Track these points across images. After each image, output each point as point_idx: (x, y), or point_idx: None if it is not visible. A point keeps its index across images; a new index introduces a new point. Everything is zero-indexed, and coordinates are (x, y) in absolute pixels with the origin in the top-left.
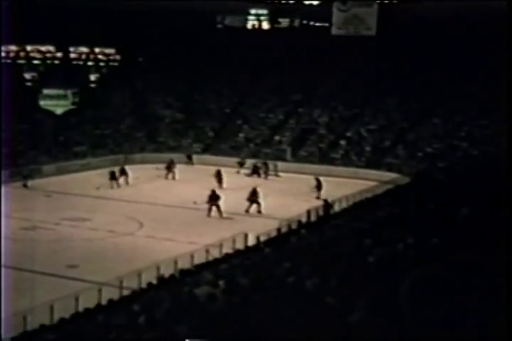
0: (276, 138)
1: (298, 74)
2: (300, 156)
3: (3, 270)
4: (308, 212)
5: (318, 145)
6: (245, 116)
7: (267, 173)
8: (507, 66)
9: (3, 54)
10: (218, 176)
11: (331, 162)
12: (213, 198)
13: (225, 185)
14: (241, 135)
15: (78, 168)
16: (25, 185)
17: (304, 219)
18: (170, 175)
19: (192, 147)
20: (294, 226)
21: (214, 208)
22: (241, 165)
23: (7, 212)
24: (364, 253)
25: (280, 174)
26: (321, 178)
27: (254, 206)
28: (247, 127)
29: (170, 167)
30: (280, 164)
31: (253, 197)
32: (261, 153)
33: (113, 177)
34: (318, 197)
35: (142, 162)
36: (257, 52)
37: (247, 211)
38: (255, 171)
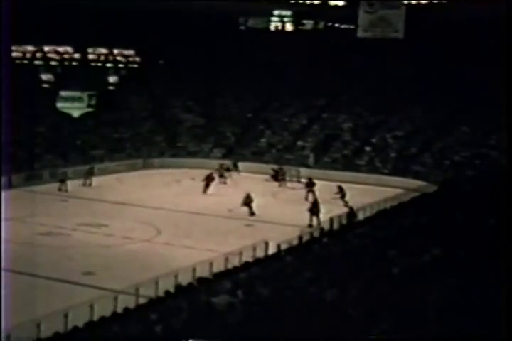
0: (299, 143)
1: (322, 78)
2: (323, 163)
3: (18, 276)
4: (331, 220)
5: (342, 152)
6: (267, 120)
7: (283, 179)
8: None
9: (19, 54)
10: (208, 179)
11: (356, 169)
12: (248, 202)
13: (210, 190)
14: (263, 140)
15: (95, 172)
16: (60, 189)
17: (326, 227)
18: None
19: (212, 152)
20: (316, 234)
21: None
22: (227, 170)
23: (22, 216)
24: (388, 263)
25: (303, 180)
26: (344, 185)
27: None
28: (269, 132)
29: (210, 179)
30: (303, 170)
31: (247, 201)
32: (283, 159)
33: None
34: (346, 205)
35: (161, 167)
36: (280, 55)
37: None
38: (274, 177)
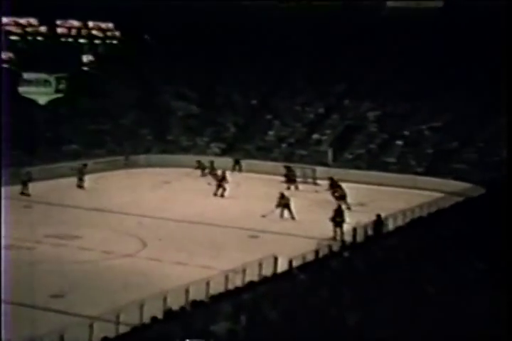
0: (315, 137)
1: (341, 59)
2: (344, 160)
3: None
4: (354, 231)
5: (367, 147)
6: (276, 109)
7: (294, 180)
8: None
9: None
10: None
11: (384, 167)
12: (283, 201)
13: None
14: (271, 133)
15: (68, 171)
16: (23, 193)
17: (348, 239)
18: (220, 191)
19: (209, 147)
20: (335, 247)
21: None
22: (202, 169)
23: None
24: (422, 281)
25: (319, 182)
26: (370, 188)
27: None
28: (278, 123)
29: (222, 180)
30: (319, 170)
31: (283, 201)
32: (295, 156)
33: None
34: (348, 208)
35: (148, 165)
36: (291, 34)
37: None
38: (287, 176)
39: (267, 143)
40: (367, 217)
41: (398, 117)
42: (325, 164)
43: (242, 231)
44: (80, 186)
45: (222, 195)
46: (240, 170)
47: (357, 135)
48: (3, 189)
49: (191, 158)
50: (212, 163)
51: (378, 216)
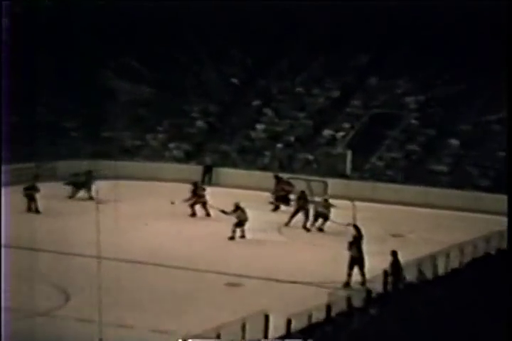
0: (326, 133)
1: (358, 22)
2: (370, 168)
3: None
4: (385, 275)
5: (404, 148)
6: (267, 92)
7: (287, 199)
8: None
9: None
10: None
11: (430, 179)
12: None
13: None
14: (259, 127)
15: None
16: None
17: (375, 287)
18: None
19: (167, 149)
20: (357, 300)
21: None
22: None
23: None
24: None
25: (331, 201)
26: (411, 211)
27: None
28: (270, 113)
29: (196, 193)
30: (332, 183)
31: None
32: (296, 162)
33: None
34: (320, 229)
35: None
36: None
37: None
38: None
39: (253, 143)
40: (404, 255)
41: (450, 104)
42: (341, 175)
43: (217, 277)
44: (92, 198)
45: (207, 215)
46: (210, 182)
47: (388, 130)
48: None
49: (139, 165)
50: None
51: (394, 254)
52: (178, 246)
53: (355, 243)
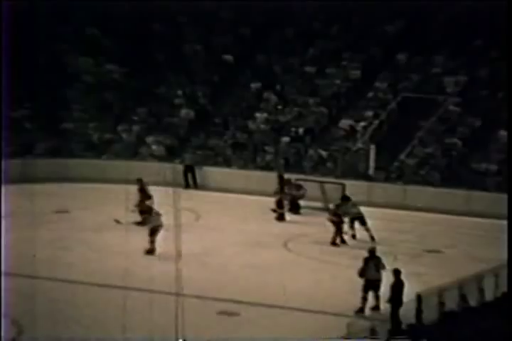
0: (344, 123)
1: None
2: (398, 168)
3: None
4: (419, 300)
5: (442, 143)
6: (265, 69)
7: (295, 205)
8: None
9: None
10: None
11: (473, 181)
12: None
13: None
14: (258, 115)
15: None
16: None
17: (406, 317)
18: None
19: (144, 145)
20: (383, 332)
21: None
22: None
23: None
24: None
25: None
26: (439, 216)
27: None
28: (271, 97)
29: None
30: (351, 185)
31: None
32: (304, 160)
33: None
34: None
35: (23, 178)
36: None
37: None
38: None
39: (251, 137)
40: (442, 275)
41: (499, 87)
42: (362, 175)
43: (208, 304)
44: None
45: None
46: (196, 186)
47: (422, 120)
48: None
49: (108, 164)
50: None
51: (396, 273)
52: (150, 264)
53: (372, 259)
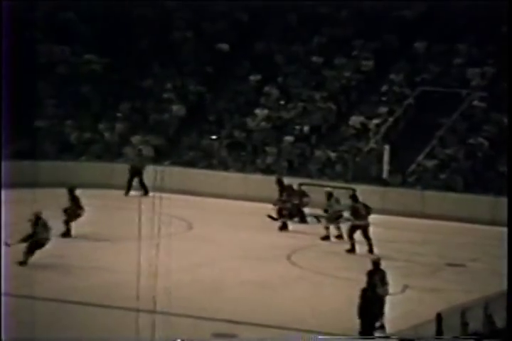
0: (354, 121)
1: None
2: (417, 170)
3: None
4: (439, 320)
5: (464, 141)
6: (266, 61)
7: (298, 211)
8: None
9: None
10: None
11: (501, 186)
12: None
13: None
14: (259, 113)
15: None
16: None
17: (429, 339)
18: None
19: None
20: None
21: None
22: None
23: None
24: None
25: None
26: (464, 226)
27: None
28: (274, 92)
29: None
30: (363, 190)
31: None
32: (312, 160)
33: None
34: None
35: None
36: None
37: None
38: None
39: (250, 136)
40: (465, 291)
41: None
42: (376, 179)
43: (201, 324)
44: None
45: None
46: (145, 192)
47: (443, 117)
48: None
49: (88, 166)
50: None
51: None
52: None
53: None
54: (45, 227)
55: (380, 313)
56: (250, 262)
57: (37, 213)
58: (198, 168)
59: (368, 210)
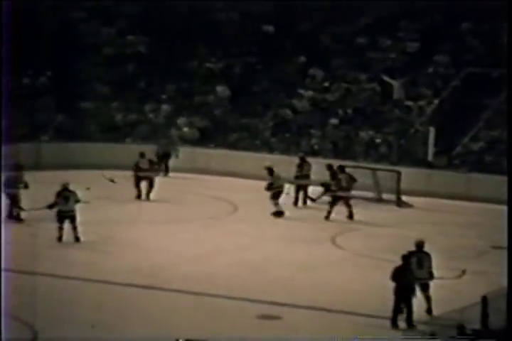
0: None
1: None
2: (462, 153)
3: None
4: (484, 304)
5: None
6: (310, 43)
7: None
8: None
9: None
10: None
11: None
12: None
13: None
14: (304, 94)
15: None
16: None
17: (475, 323)
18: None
19: (177, 128)
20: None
21: None
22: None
23: None
24: None
25: (404, 199)
26: None
27: None
28: (319, 74)
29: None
30: (407, 172)
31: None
32: (356, 143)
33: None
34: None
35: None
36: None
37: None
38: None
39: (295, 117)
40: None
41: None
42: (421, 162)
43: (246, 306)
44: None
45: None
46: (167, 172)
47: (489, 99)
48: None
49: (133, 149)
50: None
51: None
52: (179, 262)
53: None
54: (66, 199)
55: (426, 296)
56: (294, 244)
57: (64, 184)
58: (242, 150)
59: (352, 181)
